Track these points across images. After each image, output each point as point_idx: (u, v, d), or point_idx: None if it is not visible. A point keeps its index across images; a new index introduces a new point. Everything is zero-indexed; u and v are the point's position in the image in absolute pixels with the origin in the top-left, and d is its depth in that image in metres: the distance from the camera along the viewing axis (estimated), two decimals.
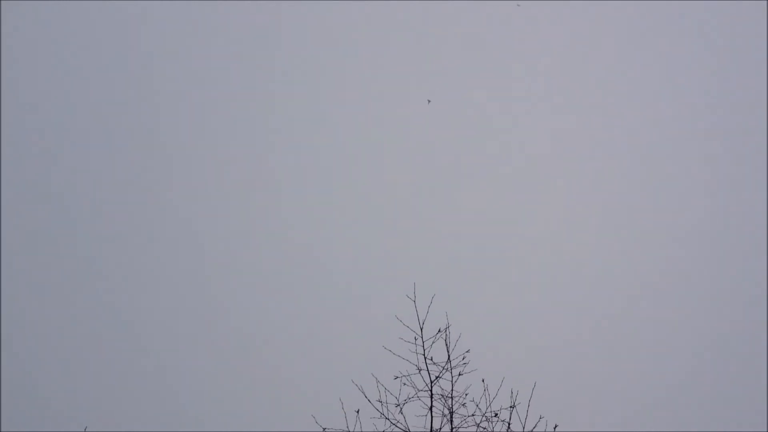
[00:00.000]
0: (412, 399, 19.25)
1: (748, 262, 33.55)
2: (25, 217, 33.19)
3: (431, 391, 19.25)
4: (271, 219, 33.79)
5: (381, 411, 19.13)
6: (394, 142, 34.88)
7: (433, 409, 19.20)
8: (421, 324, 19.56)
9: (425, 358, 19.39)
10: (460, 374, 19.23)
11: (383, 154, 34.71)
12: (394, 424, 19.06)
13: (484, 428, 18.96)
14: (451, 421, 19.10)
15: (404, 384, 19.27)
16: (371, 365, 19.61)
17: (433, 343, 19.47)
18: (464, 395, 19.13)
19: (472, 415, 19.05)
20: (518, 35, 36.05)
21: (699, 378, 32.41)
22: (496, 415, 18.95)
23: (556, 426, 18.77)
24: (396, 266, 32.49)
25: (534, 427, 18.87)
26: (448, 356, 19.27)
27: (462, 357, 19.31)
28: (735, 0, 35.11)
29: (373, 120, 35.18)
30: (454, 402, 19.14)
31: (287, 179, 34.51)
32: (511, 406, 18.95)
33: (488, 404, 18.97)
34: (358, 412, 19.10)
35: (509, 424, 18.90)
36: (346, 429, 19.11)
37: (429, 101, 32.98)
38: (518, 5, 34.21)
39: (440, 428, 19.13)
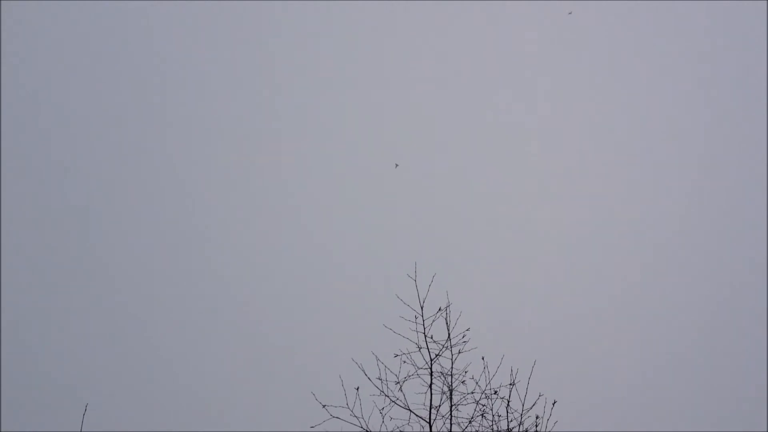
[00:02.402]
0: (411, 377, 19.26)
1: (749, 260, 33.62)
2: (26, 217, 33.19)
3: (431, 368, 19.25)
4: (273, 204, 33.84)
5: (381, 388, 19.14)
6: (396, 131, 35.00)
7: (433, 386, 19.20)
8: (421, 303, 19.60)
9: (425, 337, 19.43)
10: (459, 352, 19.24)
11: (385, 141, 34.82)
12: (393, 401, 19.07)
13: (484, 405, 18.97)
14: (451, 398, 19.12)
15: (404, 362, 19.28)
16: (371, 343, 19.64)
17: (433, 321, 19.52)
18: (464, 373, 19.14)
19: (472, 392, 19.06)
20: (519, 35, 36.22)
21: (698, 377, 32.41)
22: (495, 392, 18.95)
23: (554, 403, 18.80)
24: (397, 245, 32.55)
25: (533, 405, 18.89)
26: (449, 334, 19.29)
27: (462, 335, 19.34)
28: (735, 0, 35.28)
29: (376, 112, 35.31)
30: (453, 380, 19.15)
31: (290, 167, 34.59)
32: (510, 384, 18.96)
33: (488, 382, 18.98)
34: (357, 389, 19.11)
35: (509, 401, 18.92)
36: (346, 406, 19.12)
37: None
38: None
39: (439, 405, 19.15)
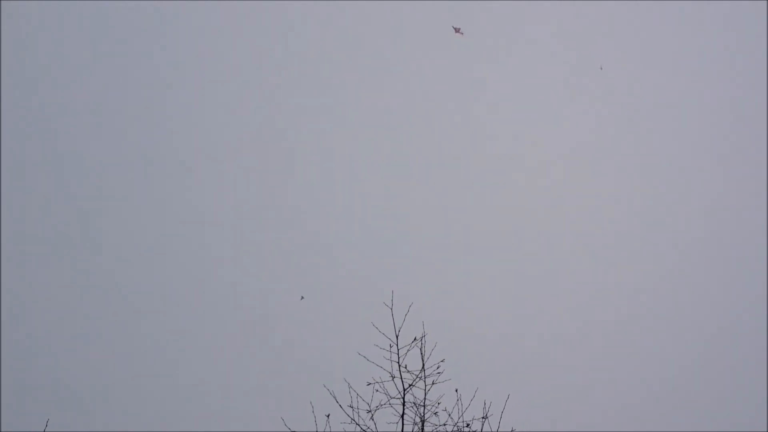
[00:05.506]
0: (384, 406, 19.13)
1: (749, 262, 33.49)
2: (26, 217, 33.22)
3: (404, 398, 19.12)
4: (251, 225, 33.86)
5: (351, 416, 19.00)
6: (385, 149, 34.96)
7: (405, 416, 19.07)
8: (396, 332, 19.46)
9: (399, 366, 19.29)
10: (433, 383, 19.09)
11: (373, 159, 34.75)
12: (364, 431, 18.93)
13: None
14: (422, 429, 18.98)
15: (377, 391, 19.13)
16: (345, 371, 19.52)
17: (408, 351, 19.37)
18: (437, 404, 19.00)
19: (444, 424, 18.92)
20: (520, 36, 36.09)
21: (699, 378, 32.32)
22: (467, 425, 18.81)
23: None
24: (374, 273, 32.45)
25: None
26: (423, 365, 19.15)
27: (436, 366, 19.20)
28: (735, 0, 35.10)
29: (370, 124, 35.30)
30: (426, 411, 19.00)
31: (267, 195, 34.60)
32: (483, 417, 18.83)
33: (460, 414, 18.85)
34: (328, 416, 18.98)
35: None
36: None
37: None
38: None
39: None
